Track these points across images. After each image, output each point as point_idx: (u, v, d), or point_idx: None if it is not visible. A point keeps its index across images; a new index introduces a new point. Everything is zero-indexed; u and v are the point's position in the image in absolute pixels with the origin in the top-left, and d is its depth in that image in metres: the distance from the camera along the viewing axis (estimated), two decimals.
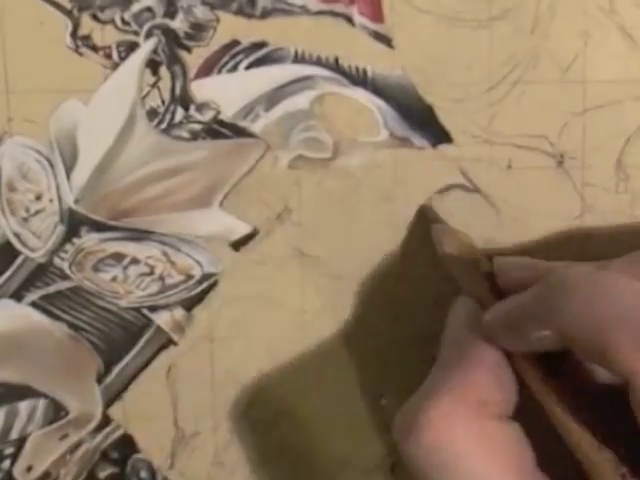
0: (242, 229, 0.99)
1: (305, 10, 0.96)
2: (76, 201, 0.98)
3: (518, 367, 0.76)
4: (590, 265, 0.79)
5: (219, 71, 0.99)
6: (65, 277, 1.00)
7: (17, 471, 1.03)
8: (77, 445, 1.04)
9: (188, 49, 0.98)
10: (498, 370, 0.75)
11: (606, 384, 0.74)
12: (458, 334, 0.81)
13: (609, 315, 0.63)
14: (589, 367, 0.75)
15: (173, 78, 0.98)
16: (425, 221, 0.97)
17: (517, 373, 0.77)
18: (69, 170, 0.98)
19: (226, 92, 0.99)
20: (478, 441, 0.69)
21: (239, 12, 0.97)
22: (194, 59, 0.98)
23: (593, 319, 0.64)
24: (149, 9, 0.97)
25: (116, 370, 1.02)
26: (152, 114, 0.99)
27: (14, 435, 1.02)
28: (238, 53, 0.98)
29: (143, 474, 1.06)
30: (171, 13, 0.97)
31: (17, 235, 0.99)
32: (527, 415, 0.75)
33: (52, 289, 1.01)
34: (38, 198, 0.99)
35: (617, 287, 0.66)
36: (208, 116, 0.98)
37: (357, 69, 0.98)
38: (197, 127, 0.98)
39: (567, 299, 0.66)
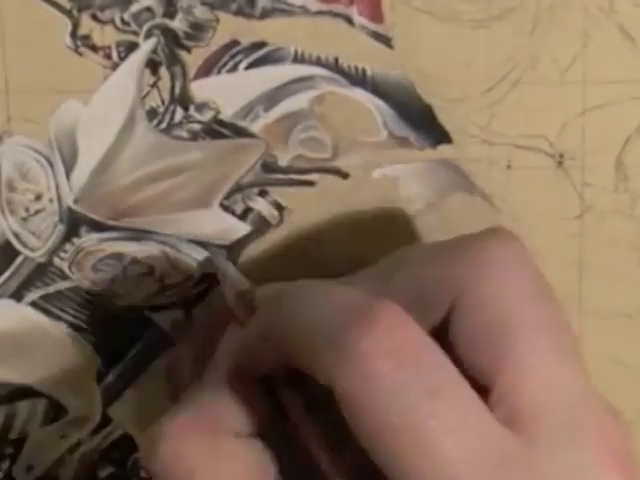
0: (242, 229, 0.99)
1: (305, 10, 0.96)
2: (76, 201, 0.98)
3: (278, 392, 0.74)
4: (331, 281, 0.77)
5: (219, 71, 0.99)
6: (65, 277, 1.00)
7: (17, 471, 1.03)
8: (77, 445, 1.04)
9: (188, 49, 0.98)
10: (237, 389, 0.74)
11: None
12: (216, 355, 0.80)
13: (309, 323, 0.60)
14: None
15: (173, 78, 0.98)
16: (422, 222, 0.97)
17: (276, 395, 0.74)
18: (69, 170, 0.98)
19: (226, 92, 0.99)
20: (208, 457, 0.67)
21: (239, 12, 0.97)
22: (194, 59, 0.99)
23: (295, 329, 0.61)
24: (149, 9, 0.97)
25: (116, 370, 1.02)
26: (152, 114, 0.99)
27: (14, 435, 1.02)
28: (238, 53, 0.98)
29: (143, 474, 1.06)
30: (171, 13, 0.97)
31: (17, 235, 0.99)
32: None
33: (52, 289, 1.01)
34: (38, 198, 0.99)
35: (321, 295, 0.63)
36: (208, 116, 0.98)
37: (356, 69, 0.98)
38: (197, 127, 0.98)
39: (278, 313, 0.65)
